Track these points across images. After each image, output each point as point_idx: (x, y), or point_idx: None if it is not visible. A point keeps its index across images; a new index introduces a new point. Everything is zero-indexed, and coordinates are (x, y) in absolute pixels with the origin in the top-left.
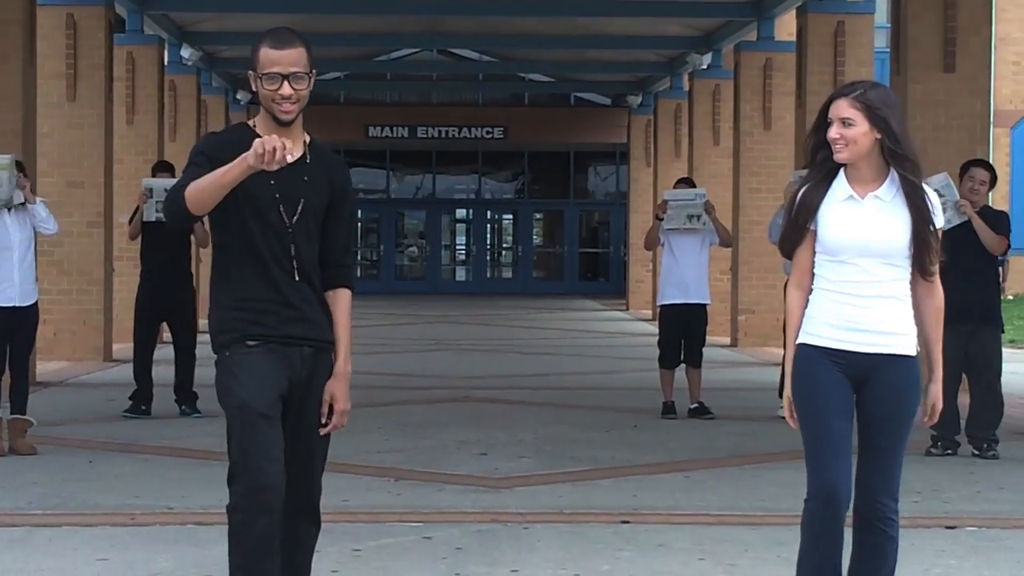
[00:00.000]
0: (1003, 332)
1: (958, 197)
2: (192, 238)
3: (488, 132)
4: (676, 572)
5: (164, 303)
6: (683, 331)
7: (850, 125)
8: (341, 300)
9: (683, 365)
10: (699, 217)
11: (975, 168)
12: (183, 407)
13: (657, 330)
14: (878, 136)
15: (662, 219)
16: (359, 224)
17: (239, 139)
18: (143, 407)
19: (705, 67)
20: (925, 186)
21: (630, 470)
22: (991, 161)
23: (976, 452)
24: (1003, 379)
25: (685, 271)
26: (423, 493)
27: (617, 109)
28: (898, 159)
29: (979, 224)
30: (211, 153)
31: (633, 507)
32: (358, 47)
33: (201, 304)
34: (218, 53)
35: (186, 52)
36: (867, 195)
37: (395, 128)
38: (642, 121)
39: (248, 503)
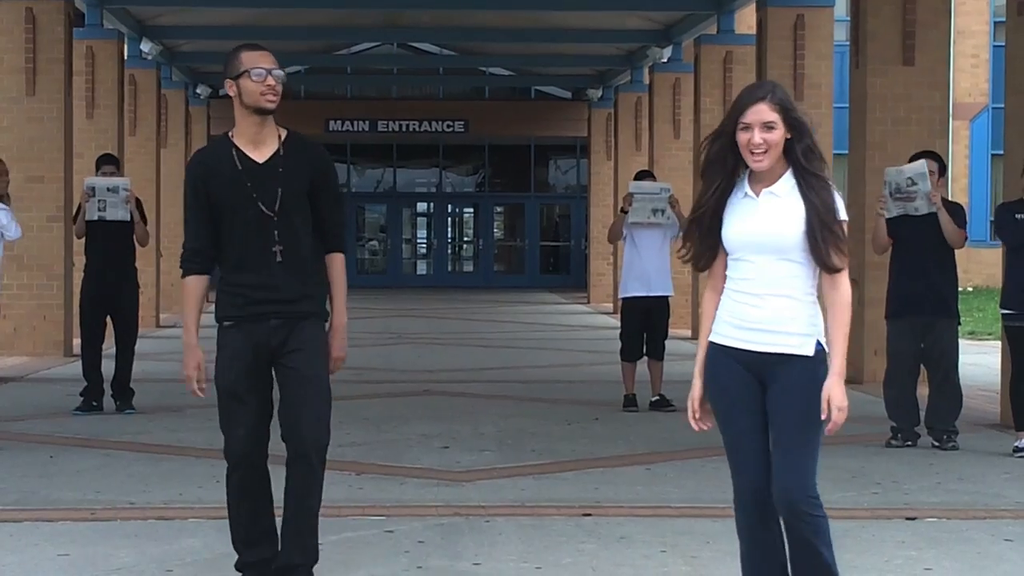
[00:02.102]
0: (960, 324)
1: (931, 188)
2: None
3: (449, 126)
4: (638, 565)
5: (107, 298)
6: (645, 324)
7: (771, 129)
8: (335, 262)
9: (645, 358)
10: (663, 211)
11: (927, 160)
12: (118, 403)
13: (619, 323)
14: (788, 137)
15: (627, 212)
16: None
17: (218, 156)
18: (94, 403)
19: (665, 60)
20: (832, 185)
21: (592, 463)
22: (950, 154)
23: (936, 443)
24: (962, 371)
25: (647, 264)
26: (385, 487)
27: (577, 103)
28: (812, 158)
29: (945, 217)
30: (201, 183)
31: (595, 500)
32: (318, 41)
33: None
34: (178, 47)
35: (146, 46)
36: (761, 192)
37: (355, 122)
38: (603, 114)
39: (228, 460)
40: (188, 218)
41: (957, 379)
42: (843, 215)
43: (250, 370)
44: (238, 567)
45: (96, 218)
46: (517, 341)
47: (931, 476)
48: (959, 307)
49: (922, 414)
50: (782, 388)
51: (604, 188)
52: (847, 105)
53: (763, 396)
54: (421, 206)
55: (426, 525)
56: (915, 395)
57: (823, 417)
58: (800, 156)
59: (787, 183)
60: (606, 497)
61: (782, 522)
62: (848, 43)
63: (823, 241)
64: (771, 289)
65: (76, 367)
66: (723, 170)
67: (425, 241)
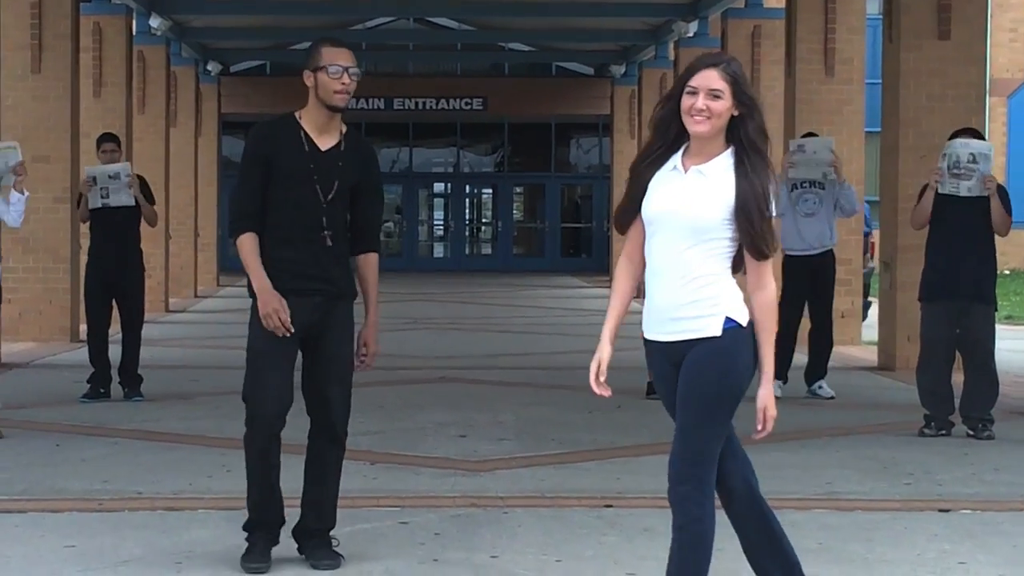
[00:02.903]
0: (996, 310)
1: (990, 172)
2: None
3: (467, 103)
4: (662, 558)
5: (112, 283)
6: None
7: (717, 97)
8: (370, 262)
9: None
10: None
11: (967, 138)
12: (125, 389)
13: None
14: (735, 113)
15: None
16: None
17: (286, 133)
18: (101, 390)
19: (691, 35)
20: (773, 171)
21: (614, 452)
22: (986, 132)
23: (971, 432)
24: (999, 357)
25: None
26: (400, 477)
27: (600, 79)
28: (761, 138)
29: (996, 203)
30: (264, 153)
31: (617, 491)
32: (332, 15)
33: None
34: (188, 23)
35: (155, 22)
36: (690, 168)
37: (370, 100)
38: (626, 92)
39: (250, 424)
40: (243, 184)
41: (993, 366)
42: (774, 210)
43: (284, 346)
44: (247, 527)
45: (100, 206)
46: (537, 326)
47: (965, 466)
48: (996, 291)
49: (956, 402)
50: (686, 371)
51: (627, 168)
52: (879, 81)
53: None
54: (438, 187)
55: (442, 517)
56: (949, 382)
57: (758, 428)
58: (750, 133)
59: (721, 163)
60: (629, 488)
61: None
62: (881, 16)
63: (757, 226)
64: (679, 271)
65: (83, 353)
66: (665, 136)
67: (442, 223)
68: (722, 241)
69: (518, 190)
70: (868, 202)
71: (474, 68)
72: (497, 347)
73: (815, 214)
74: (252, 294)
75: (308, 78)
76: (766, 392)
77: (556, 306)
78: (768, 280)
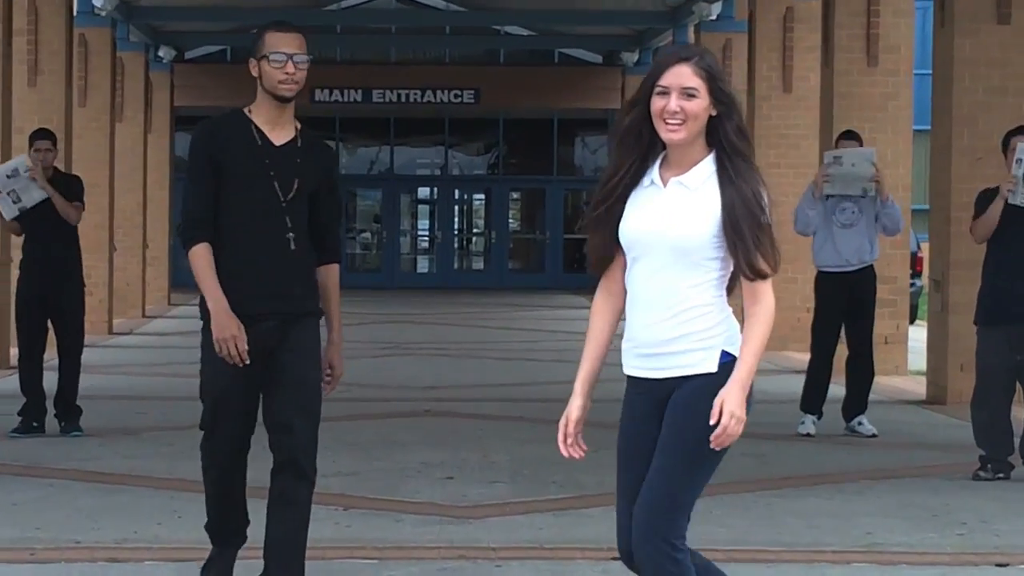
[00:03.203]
0: None
1: None
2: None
3: (456, 96)
4: None
5: (48, 299)
6: None
7: (692, 97)
8: (331, 274)
9: None
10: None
11: None
12: (62, 423)
13: None
14: (713, 113)
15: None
16: None
17: (236, 131)
18: (35, 424)
19: (714, 18)
20: (760, 175)
21: None
22: None
23: None
24: None
25: None
26: (377, 525)
27: (609, 68)
28: (743, 139)
29: None
30: (210, 153)
31: None
32: None
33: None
34: (136, 1)
35: (98, 0)
36: (670, 181)
37: (346, 91)
38: (638, 83)
39: (206, 458)
40: (191, 188)
41: None
42: (768, 216)
43: (244, 373)
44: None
45: (18, 213)
46: (535, 352)
47: None
48: None
49: (1017, 440)
50: (671, 411)
51: None
52: (930, 72)
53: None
54: (423, 191)
55: (426, 570)
56: (1009, 418)
57: (711, 422)
58: (730, 135)
59: (703, 172)
60: None
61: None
62: None
63: (749, 239)
64: (666, 301)
65: (13, 381)
66: (637, 147)
67: (427, 233)
68: (713, 263)
69: (515, 195)
70: (915, 211)
71: (465, 55)
72: (490, 376)
73: (854, 225)
74: (204, 313)
75: (253, 67)
76: (732, 391)
77: (558, 329)
78: (766, 294)
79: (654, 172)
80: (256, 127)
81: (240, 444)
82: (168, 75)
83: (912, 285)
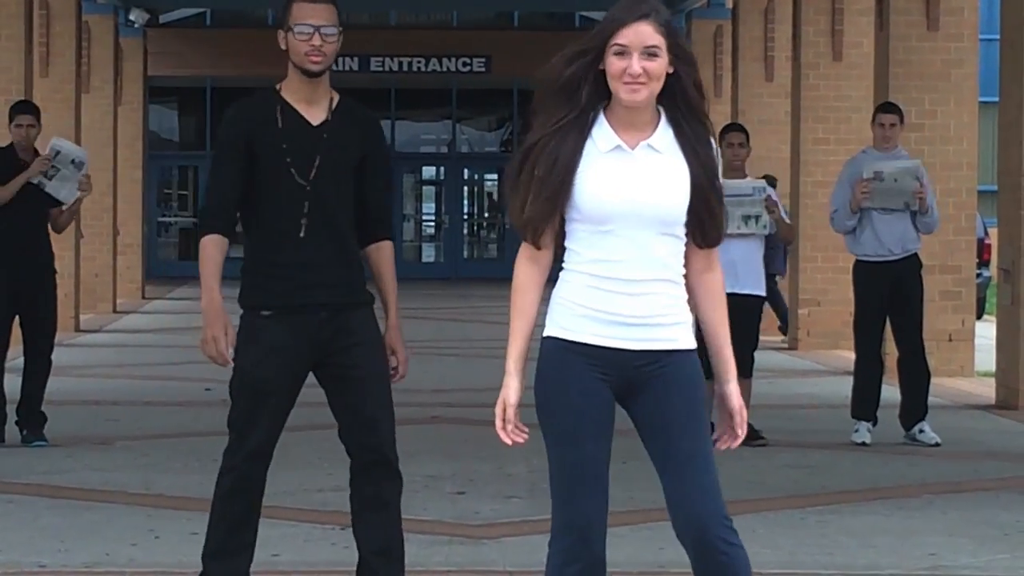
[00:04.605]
0: None
1: None
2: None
3: (465, 64)
4: None
5: (17, 296)
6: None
7: (653, 56)
8: (384, 252)
9: None
10: (758, 218)
11: None
12: (24, 432)
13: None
14: (670, 71)
15: None
16: None
17: (262, 112)
18: None
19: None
20: (713, 136)
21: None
22: None
23: None
24: None
25: (732, 252)
26: None
27: None
28: (701, 100)
29: None
30: (244, 138)
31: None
32: None
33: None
34: None
35: None
36: (638, 144)
37: (342, 59)
38: None
39: (228, 459)
40: (212, 176)
41: None
42: (720, 179)
43: (291, 369)
44: None
45: (36, 182)
46: None
47: None
48: None
49: None
50: (667, 389)
51: None
52: (997, 37)
53: (614, 410)
54: (428, 171)
55: None
56: None
57: (737, 432)
58: (689, 92)
59: (666, 134)
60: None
61: (692, 562)
62: None
63: (717, 211)
64: (651, 273)
65: None
66: (573, 102)
67: (433, 218)
68: (682, 230)
69: None
70: (981, 192)
71: (475, 19)
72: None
73: (896, 210)
74: (247, 307)
75: (281, 39)
76: (734, 388)
77: None
78: (717, 263)
79: (608, 134)
80: (282, 106)
81: (271, 449)
82: (140, 41)
83: (979, 276)
